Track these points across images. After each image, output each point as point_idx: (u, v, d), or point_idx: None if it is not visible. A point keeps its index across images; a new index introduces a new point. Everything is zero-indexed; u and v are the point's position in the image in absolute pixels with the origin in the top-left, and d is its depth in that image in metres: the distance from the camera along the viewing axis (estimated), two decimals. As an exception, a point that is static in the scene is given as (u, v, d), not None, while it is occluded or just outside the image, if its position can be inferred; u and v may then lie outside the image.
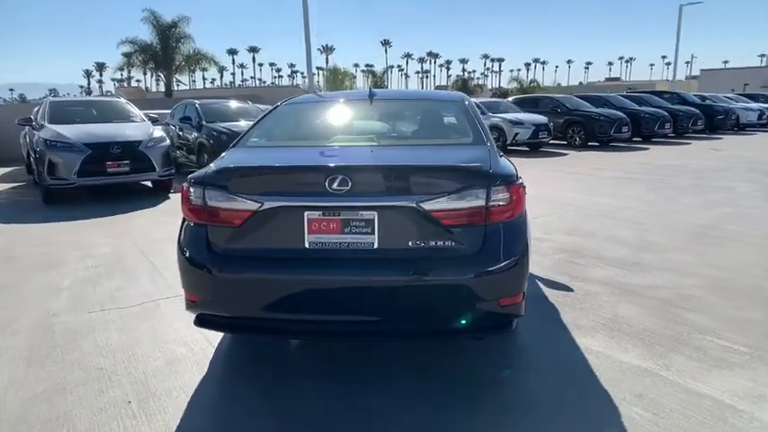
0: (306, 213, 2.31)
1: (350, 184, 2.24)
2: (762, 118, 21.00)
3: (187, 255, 2.48)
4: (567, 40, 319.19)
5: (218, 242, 2.43)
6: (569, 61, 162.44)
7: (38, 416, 2.41)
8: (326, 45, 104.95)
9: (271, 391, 2.61)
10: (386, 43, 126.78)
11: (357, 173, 2.28)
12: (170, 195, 8.50)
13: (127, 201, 8.02)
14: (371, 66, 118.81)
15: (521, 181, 2.41)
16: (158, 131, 8.79)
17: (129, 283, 4.23)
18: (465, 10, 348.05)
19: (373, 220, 2.28)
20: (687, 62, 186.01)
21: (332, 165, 2.35)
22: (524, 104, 16.47)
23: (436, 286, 2.27)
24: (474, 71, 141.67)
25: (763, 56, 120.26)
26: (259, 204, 2.33)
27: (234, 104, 11.76)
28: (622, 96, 19.25)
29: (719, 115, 19.29)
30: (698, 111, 18.34)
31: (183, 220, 2.60)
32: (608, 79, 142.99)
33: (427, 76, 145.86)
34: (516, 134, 13.13)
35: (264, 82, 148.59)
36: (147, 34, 30.38)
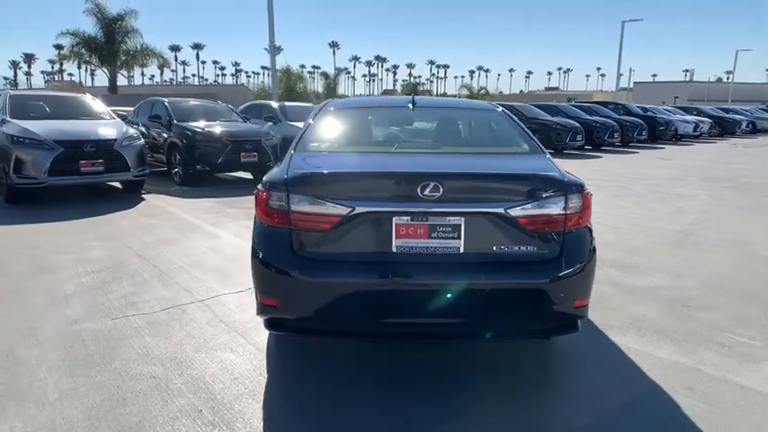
0: (394, 218, 2.36)
1: (441, 190, 2.31)
2: (696, 130, 22.66)
3: (267, 259, 2.46)
4: (509, 49, 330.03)
5: (302, 246, 2.42)
6: (511, 70, 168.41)
7: (109, 426, 2.31)
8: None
9: (339, 392, 2.62)
10: (334, 45, 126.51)
11: (448, 180, 2.35)
12: (144, 196, 8.18)
13: (96, 202, 7.65)
14: (318, 67, 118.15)
15: (588, 189, 2.56)
16: (132, 130, 8.44)
17: (142, 289, 4.07)
18: (412, 15, 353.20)
19: (460, 225, 2.36)
20: (621, 74, 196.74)
21: (424, 171, 2.41)
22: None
23: (519, 289, 2.38)
24: (420, 76, 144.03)
25: (687, 71, 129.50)
26: (350, 209, 2.35)
27: (203, 103, 11.45)
28: (574, 106, 20.23)
29: (661, 126, 20.67)
30: (642, 122, 19.58)
31: (258, 224, 2.56)
32: (547, 89, 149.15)
33: (374, 80, 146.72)
34: None
35: (207, 80, 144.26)
36: (90, 27, 28.85)
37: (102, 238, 5.62)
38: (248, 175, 10.47)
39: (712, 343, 3.21)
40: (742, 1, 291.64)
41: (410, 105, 3.41)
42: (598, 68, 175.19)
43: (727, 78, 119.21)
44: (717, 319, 3.57)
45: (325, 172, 2.49)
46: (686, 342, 3.22)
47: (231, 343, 3.15)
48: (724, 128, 25.45)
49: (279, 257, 2.44)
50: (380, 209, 2.36)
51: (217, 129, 9.54)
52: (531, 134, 3.08)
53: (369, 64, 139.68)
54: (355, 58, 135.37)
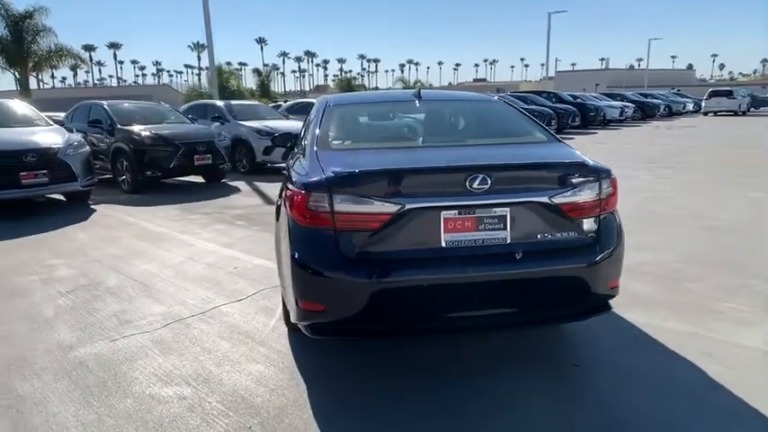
0: (442, 213, 2.33)
1: (489, 182, 2.31)
2: (622, 114, 24.12)
3: (313, 263, 2.36)
4: (438, 42, 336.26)
5: (350, 247, 2.34)
6: (440, 63, 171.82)
7: (157, 457, 2.14)
8: (198, 42, 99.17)
9: (385, 394, 2.57)
10: (261, 41, 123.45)
11: (495, 171, 2.35)
12: (94, 207, 7.65)
13: (39, 216, 7.09)
14: (245, 64, 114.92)
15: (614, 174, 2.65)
16: (76, 136, 7.84)
17: (132, 306, 3.80)
18: (341, 10, 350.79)
19: (506, 216, 2.37)
20: (542, 64, 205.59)
21: (472, 164, 2.39)
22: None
23: (563, 275, 2.43)
24: (351, 71, 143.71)
25: (603, 59, 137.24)
26: (399, 206, 2.29)
27: (145, 105, 10.84)
28: (512, 96, 20.92)
29: (591, 112, 21.82)
30: (575, 109, 20.58)
31: (295, 228, 2.44)
32: (475, 80, 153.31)
33: (304, 76, 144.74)
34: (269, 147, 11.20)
35: (126, 81, 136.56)
36: (-6, 25, 26.37)
37: (62, 254, 5.19)
38: (199, 179, 10.04)
39: (708, 311, 3.44)
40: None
41: (415, 99, 3.39)
42: (522, 59, 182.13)
43: (638, 65, 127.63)
44: (704, 290, 3.82)
45: (371, 170, 2.41)
46: (687, 313, 3.42)
47: (252, 354, 3.01)
48: (645, 112, 27.27)
49: (326, 261, 2.34)
50: (430, 204, 2.33)
51: (166, 131, 9.06)
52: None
53: (298, 59, 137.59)
54: (284, 54, 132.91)
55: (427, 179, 2.39)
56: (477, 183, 2.30)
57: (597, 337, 3.13)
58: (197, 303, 3.81)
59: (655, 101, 29.08)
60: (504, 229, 2.38)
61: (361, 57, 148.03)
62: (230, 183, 9.84)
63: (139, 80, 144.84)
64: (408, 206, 2.30)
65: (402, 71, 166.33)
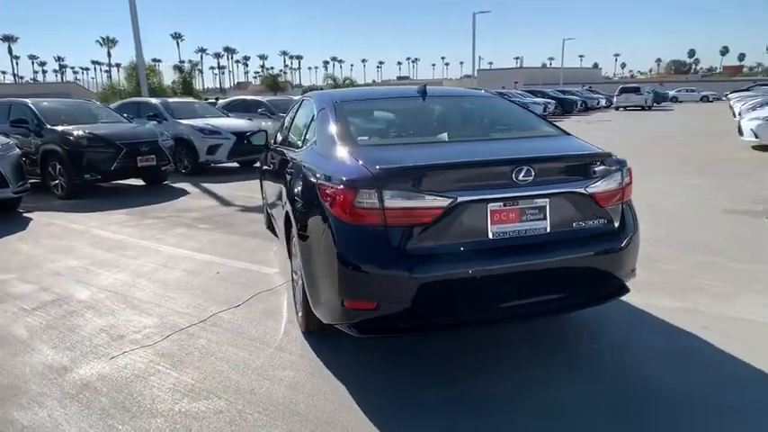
0: (489, 205, 2.35)
1: (533, 174, 2.36)
2: (545, 110, 25.44)
3: (363, 260, 2.30)
4: (361, 40, 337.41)
5: (403, 242, 2.30)
6: (364, 60, 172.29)
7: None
8: (108, 37, 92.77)
9: (423, 383, 2.56)
10: (177, 37, 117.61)
11: (538, 163, 2.40)
12: (28, 215, 6.96)
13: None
14: (159, 60, 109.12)
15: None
16: (3, 138, 7.10)
17: (117, 320, 3.51)
18: (262, 4, 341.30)
19: (545, 206, 2.44)
20: (461, 63, 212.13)
21: (518, 157, 2.43)
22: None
23: (598, 260, 2.53)
24: (272, 68, 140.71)
25: (517, 58, 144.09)
26: (451, 200, 2.28)
27: (75, 103, 10.02)
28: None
29: (519, 108, 22.79)
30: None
31: (340, 226, 2.36)
32: (399, 78, 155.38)
33: (224, 73, 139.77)
34: (214, 147, 10.23)
35: (23, 78, 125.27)
36: None
37: (9, 269, 4.69)
38: (138, 182, 9.43)
39: (692, 288, 3.72)
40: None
41: (419, 95, 3.38)
42: (442, 57, 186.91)
43: (550, 64, 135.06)
44: (682, 270, 4.14)
45: (421, 164, 2.38)
46: (674, 291, 3.69)
47: (275, 360, 2.88)
48: (564, 107, 28.93)
49: (378, 257, 2.29)
50: (479, 197, 2.34)
51: (104, 131, 8.43)
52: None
53: (217, 56, 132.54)
54: (202, 50, 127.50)
55: (476, 172, 2.40)
56: (522, 175, 2.35)
57: (607, 319, 3.29)
58: (191, 312, 3.59)
59: (573, 97, 30.95)
60: (545, 219, 2.45)
61: (284, 53, 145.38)
62: (174, 185, 9.33)
63: (39, 77, 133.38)
64: (460, 199, 2.30)
65: (326, 68, 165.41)
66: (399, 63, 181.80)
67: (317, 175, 2.62)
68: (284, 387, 2.61)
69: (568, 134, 3.05)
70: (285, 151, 3.88)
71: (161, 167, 9.00)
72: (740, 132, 11.62)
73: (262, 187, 5.55)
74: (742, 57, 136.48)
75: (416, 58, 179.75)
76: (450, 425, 2.28)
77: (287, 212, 3.28)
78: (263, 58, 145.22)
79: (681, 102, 42.62)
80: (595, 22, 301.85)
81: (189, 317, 3.51)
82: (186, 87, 37.47)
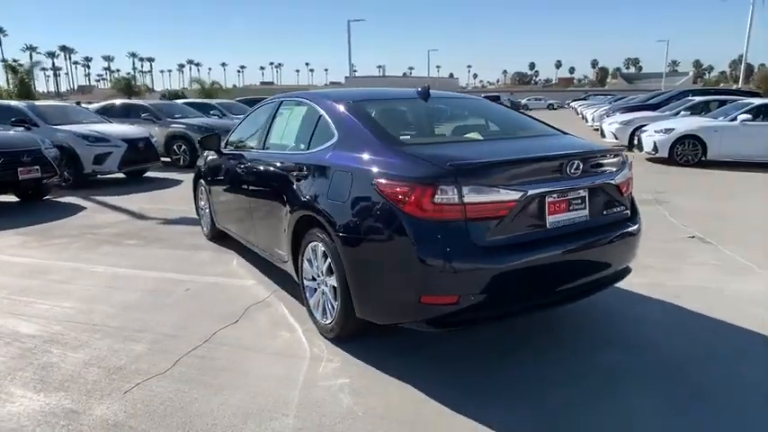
0: (547, 197, 2.53)
1: (581, 167, 2.59)
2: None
3: (445, 255, 2.31)
4: (220, 42, 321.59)
5: (481, 236, 2.37)
6: (224, 64, 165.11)
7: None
8: None
9: (484, 371, 2.66)
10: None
11: (584, 158, 2.64)
12: None
13: None
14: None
15: None
16: None
17: (100, 351, 3.05)
18: (105, 2, 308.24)
19: (585, 196, 2.68)
20: (326, 69, 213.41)
21: (570, 152, 2.65)
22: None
23: (623, 242, 2.85)
24: (119, 70, 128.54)
25: (380, 67, 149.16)
26: (522, 193, 2.41)
27: None
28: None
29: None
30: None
31: (417, 222, 2.35)
32: (263, 83, 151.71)
33: (59, 75, 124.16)
34: (102, 156, 9.13)
35: None
36: None
37: None
38: (12, 198, 8.10)
39: (643, 267, 4.29)
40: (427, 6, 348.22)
41: (423, 97, 3.46)
42: (307, 64, 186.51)
43: (410, 73, 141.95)
44: (660, 245, 4.69)
45: (495, 160, 2.46)
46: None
47: (321, 369, 2.76)
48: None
49: (461, 251, 2.33)
50: (543, 189, 2.50)
51: (-27, 139, 7.12)
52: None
53: (52, 55, 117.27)
54: (31, 48, 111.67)
55: (539, 167, 2.56)
56: (573, 168, 2.57)
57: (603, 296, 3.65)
58: (185, 333, 3.25)
59: (443, 104, 32.99)
60: (585, 208, 2.70)
61: (133, 55, 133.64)
62: (58, 200, 8.19)
63: None
64: (530, 192, 2.44)
65: (181, 72, 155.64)
66: (262, 68, 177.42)
67: (374, 175, 2.57)
68: (348, 394, 2.53)
69: (567, 133, 3.36)
70: (272, 156, 3.70)
71: (43, 181, 7.85)
72: (602, 135, 13.45)
73: (209, 198, 5.12)
74: (572, 70, 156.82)
75: (280, 64, 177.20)
76: (528, 402, 2.43)
77: (298, 219, 3.15)
78: (108, 59, 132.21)
79: (531, 109, 47.72)
80: (449, 34, 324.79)
81: (187, 339, 3.18)
82: (24, 90, 32.65)
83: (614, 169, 2.85)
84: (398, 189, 2.42)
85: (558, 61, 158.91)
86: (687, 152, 10.25)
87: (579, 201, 2.67)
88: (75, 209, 7.49)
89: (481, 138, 3.10)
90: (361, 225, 2.60)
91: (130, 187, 9.22)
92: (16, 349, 3.09)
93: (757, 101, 10.66)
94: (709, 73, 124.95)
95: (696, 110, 12.56)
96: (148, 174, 10.61)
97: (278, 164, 3.55)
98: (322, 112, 3.32)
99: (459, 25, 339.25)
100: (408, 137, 3.00)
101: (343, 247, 2.69)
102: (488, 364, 2.81)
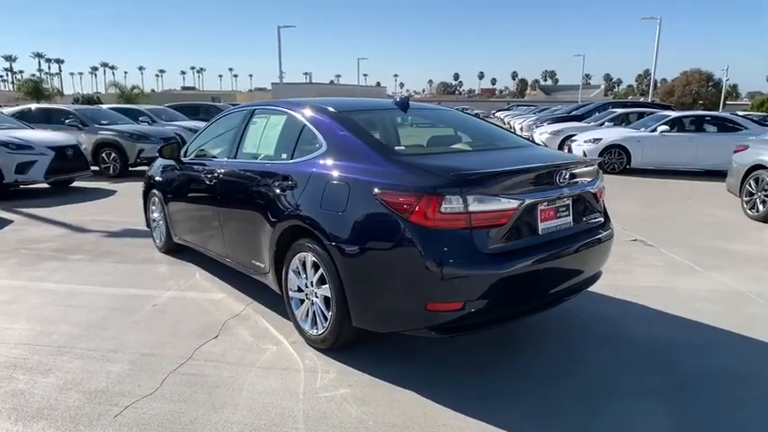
0: (539, 205, 2.67)
1: (568, 177, 2.77)
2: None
3: (451, 263, 2.38)
4: (136, 45, 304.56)
5: (484, 243, 2.45)
6: (141, 68, 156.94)
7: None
8: None
9: (480, 370, 2.77)
10: None
11: (571, 168, 2.82)
12: None
13: None
14: None
15: None
16: None
17: (73, 374, 2.84)
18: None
19: (569, 204, 2.86)
20: (250, 75, 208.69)
21: (560, 162, 2.80)
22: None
23: (601, 246, 3.05)
24: (22, 71, 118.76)
25: (306, 74, 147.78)
26: (520, 202, 2.53)
27: None
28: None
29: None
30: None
31: (424, 231, 2.40)
32: (184, 88, 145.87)
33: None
34: (25, 164, 8.40)
35: None
36: None
37: None
38: None
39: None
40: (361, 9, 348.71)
41: (401, 108, 3.54)
42: (230, 69, 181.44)
43: (338, 80, 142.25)
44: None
45: (496, 170, 2.55)
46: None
47: (320, 381, 2.74)
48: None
49: (466, 259, 2.40)
50: (537, 198, 2.64)
51: None
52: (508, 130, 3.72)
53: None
54: None
55: (534, 176, 2.69)
56: (561, 177, 2.74)
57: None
58: (164, 351, 3.11)
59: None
60: (569, 215, 2.87)
61: (38, 55, 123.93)
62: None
63: None
64: (527, 201, 2.58)
65: (95, 75, 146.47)
66: (183, 72, 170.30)
67: (375, 185, 2.59)
68: (353, 404, 2.53)
69: (538, 144, 3.57)
70: (248, 165, 3.62)
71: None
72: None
73: (164, 209, 4.87)
74: (494, 81, 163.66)
75: (202, 68, 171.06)
76: (530, 397, 2.56)
77: (284, 230, 3.11)
78: (9, 59, 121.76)
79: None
80: (375, 43, 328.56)
81: (167, 357, 3.04)
82: None
83: (592, 179, 3.07)
84: (403, 199, 2.47)
85: (481, 72, 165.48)
86: (613, 160, 11.07)
87: (564, 208, 2.85)
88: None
89: (470, 149, 3.23)
90: (362, 235, 2.62)
91: (58, 198, 8.58)
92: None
93: (674, 114, 11.75)
94: (618, 86, 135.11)
95: (617, 121, 13.59)
96: (76, 184, 9.94)
97: (257, 174, 3.49)
98: (305, 121, 3.30)
99: (385, 34, 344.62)
100: (403, 147, 3.06)
101: (341, 257, 2.69)
102: (479, 365, 2.93)
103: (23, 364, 2.95)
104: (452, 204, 2.40)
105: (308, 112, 3.33)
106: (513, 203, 2.54)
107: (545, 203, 2.72)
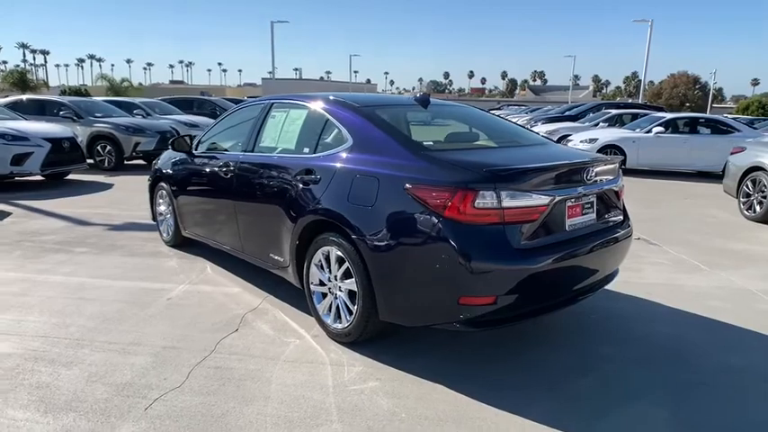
0: (567, 202, 2.71)
1: (595, 174, 2.81)
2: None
3: (485, 258, 2.41)
4: (123, 38, 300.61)
5: (515, 239, 2.48)
6: (129, 60, 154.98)
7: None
8: None
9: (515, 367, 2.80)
10: None
11: (595, 165, 2.84)
12: None
13: None
14: None
15: None
16: None
17: (96, 366, 2.82)
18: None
19: (594, 201, 2.90)
20: (240, 70, 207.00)
21: (587, 160, 2.84)
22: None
23: (621, 244, 3.09)
24: (5, 62, 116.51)
25: (296, 69, 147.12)
26: (551, 198, 2.56)
27: None
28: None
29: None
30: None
31: (456, 226, 2.42)
32: (172, 82, 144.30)
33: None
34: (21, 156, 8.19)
35: None
36: None
37: None
38: None
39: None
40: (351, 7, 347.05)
41: (420, 104, 3.55)
42: (219, 63, 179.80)
43: (328, 77, 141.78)
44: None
45: (529, 167, 2.58)
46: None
47: (347, 374, 2.75)
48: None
49: (499, 254, 2.43)
50: (566, 195, 2.67)
51: None
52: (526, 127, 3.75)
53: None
54: None
55: (563, 173, 2.72)
56: (588, 175, 2.78)
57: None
58: (186, 345, 3.09)
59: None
60: (593, 212, 2.92)
61: (23, 46, 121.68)
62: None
63: None
64: (557, 197, 2.61)
65: (81, 67, 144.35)
66: (171, 66, 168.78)
67: (407, 180, 2.60)
68: (384, 396, 2.55)
69: (555, 141, 3.61)
70: (267, 159, 3.61)
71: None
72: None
73: (173, 202, 4.83)
74: (484, 80, 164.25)
75: (191, 62, 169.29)
76: (556, 392, 2.60)
77: (307, 224, 3.11)
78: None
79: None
80: (366, 40, 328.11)
81: (189, 350, 3.03)
82: None
83: (614, 176, 3.11)
84: (436, 194, 2.48)
85: (471, 71, 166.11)
86: (609, 161, 11.18)
87: (589, 205, 2.89)
88: (-2, 214, 6.76)
89: (495, 145, 3.26)
90: (392, 229, 2.63)
91: (55, 191, 8.47)
92: (-4, 370, 2.78)
93: (668, 115, 11.91)
94: (606, 87, 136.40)
95: (612, 122, 13.74)
96: (71, 177, 9.83)
97: (277, 167, 3.48)
98: (328, 116, 3.30)
99: (375, 31, 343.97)
100: (431, 143, 3.08)
101: (370, 251, 2.70)
102: (500, 360, 2.96)
103: (44, 357, 2.92)
104: (486, 200, 2.42)
105: (331, 107, 3.33)
106: (545, 200, 2.57)
107: (572, 200, 2.76)
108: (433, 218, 2.48)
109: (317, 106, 3.44)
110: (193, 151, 4.54)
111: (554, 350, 3.09)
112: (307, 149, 3.37)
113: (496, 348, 3.09)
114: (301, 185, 3.20)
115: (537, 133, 3.70)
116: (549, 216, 2.63)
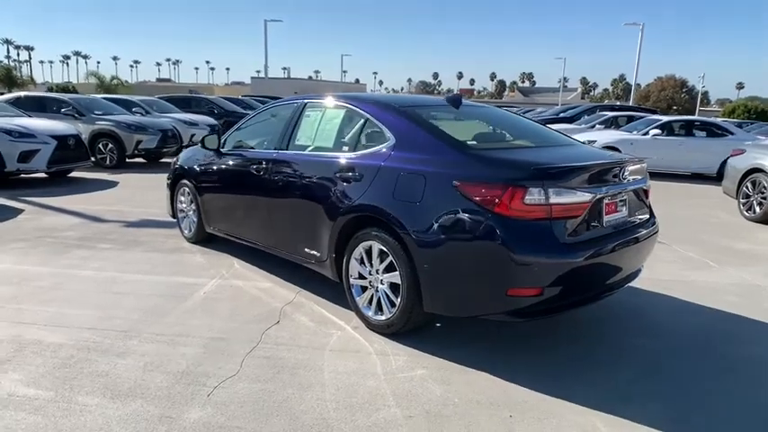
0: (605, 199, 2.86)
1: (628, 173, 2.97)
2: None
3: (534, 251, 2.56)
4: (110, 35, 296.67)
5: (561, 233, 2.63)
6: (115, 58, 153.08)
7: None
8: None
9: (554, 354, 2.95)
10: None
11: (627, 165, 3.02)
12: None
13: None
14: None
15: None
16: None
17: (149, 356, 2.92)
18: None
19: (626, 199, 3.06)
20: (227, 68, 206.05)
21: (620, 160, 3.00)
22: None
23: (649, 241, 3.25)
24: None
25: (285, 69, 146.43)
26: (593, 195, 2.71)
27: None
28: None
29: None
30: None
31: (505, 220, 2.56)
32: (159, 79, 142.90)
33: None
34: (28, 153, 8.35)
35: None
36: None
37: None
38: None
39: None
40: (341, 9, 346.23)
41: (452, 105, 3.69)
42: (207, 62, 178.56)
43: (317, 77, 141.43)
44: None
45: (574, 165, 2.74)
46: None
47: (394, 363, 2.88)
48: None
49: (546, 247, 2.58)
50: (605, 192, 2.83)
51: None
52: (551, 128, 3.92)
53: None
54: None
55: (604, 171, 2.88)
56: (623, 174, 2.94)
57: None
58: (230, 336, 3.19)
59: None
60: (626, 209, 3.08)
61: (7, 41, 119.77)
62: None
63: None
64: (598, 195, 2.76)
65: (66, 63, 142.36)
66: (158, 64, 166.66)
67: (455, 177, 2.73)
68: (434, 383, 2.68)
69: (584, 143, 3.77)
70: (305, 157, 3.72)
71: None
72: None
73: (197, 199, 4.90)
74: (473, 81, 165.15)
75: (178, 60, 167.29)
76: (597, 381, 2.75)
77: (349, 220, 3.23)
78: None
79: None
80: (354, 39, 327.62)
81: (238, 341, 3.13)
82: None
83: (642, 176, 3.27)
84: (485, 190, 2.62)
85: (460, 72, 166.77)
86: (607, 162, 11.42)
87: (623, 203, 3.05)
88: (10, 211, 6.77)
89: (532, 145, 3.40)
90: (440, 224, 2.75)
91: (61, 188, 8.46)
92: (53, 359, 2.86)
93: (665, 118, 12.20)
94: (594, 89, 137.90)
95: (607, 124, 14.01)
96: (74, 174, 9.81)
97: (315, 165, 3.59)
98: (367, 115, 3.42)
99: (364, 31, 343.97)
100: (474, 142, 3.21)
101: (417, 245, 2.82)
102: (539, 350, 3.10)
103: (97, 348, 3.01)
104: (535, 196, 2.56)
105: (371, 107, 3.45)
106: (588, 196, 2.72)
107: (609, 197, 2.91)
108: (483, 213, 2.61)
109: (354, 106, 3.56)
110: (221, 149, 4.63)
111: (589, 341, 3.24)
112: (346, 148, 3.48)
113: (533, 339, 3.23)
114: (342, 182, 3.31)
115: (565, 134, 3.85)
116: (590, 212, 2.77)
